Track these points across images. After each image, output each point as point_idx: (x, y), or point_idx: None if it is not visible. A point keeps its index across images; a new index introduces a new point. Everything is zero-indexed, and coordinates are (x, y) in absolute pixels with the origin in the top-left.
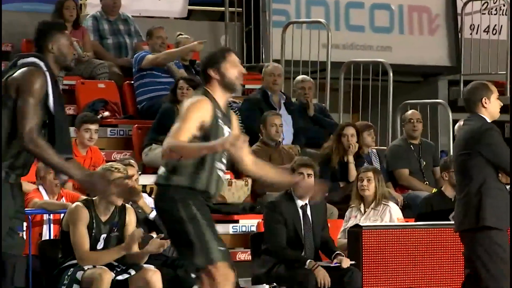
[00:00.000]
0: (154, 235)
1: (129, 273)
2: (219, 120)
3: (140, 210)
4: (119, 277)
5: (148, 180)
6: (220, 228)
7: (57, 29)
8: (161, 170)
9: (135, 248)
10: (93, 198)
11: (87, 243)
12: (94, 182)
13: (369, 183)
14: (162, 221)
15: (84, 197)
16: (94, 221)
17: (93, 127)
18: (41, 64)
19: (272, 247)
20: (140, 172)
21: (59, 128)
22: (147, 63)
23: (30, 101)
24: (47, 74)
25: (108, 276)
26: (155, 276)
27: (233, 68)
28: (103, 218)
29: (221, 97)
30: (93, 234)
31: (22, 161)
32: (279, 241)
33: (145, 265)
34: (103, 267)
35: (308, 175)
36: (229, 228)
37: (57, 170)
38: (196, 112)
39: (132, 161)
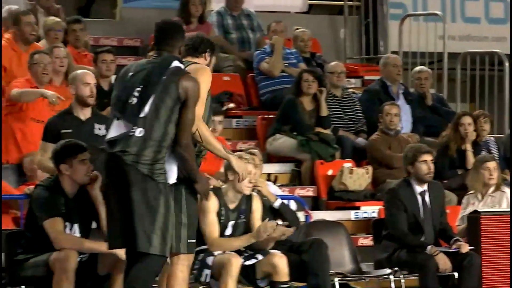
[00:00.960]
0: (279, 222)
1: (257, 258)
2: None
3: (265, 198)
4: (247, 262)
5: (273, 168)
6: (342, 214)
7: (183, 29)
8: None
9: (264, 238)
10: (222, 187)
11: (217, 230)
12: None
13: (495, 173)
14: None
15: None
16: (222, 208)
17: (217, 118)
18: (185, 70)
19: (394, 233)
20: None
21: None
22: (263, 70)
23: (193, 108)
24: None
25: (237, 261)
26: (281, 261)
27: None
28: (231, 206)
29: None
30: (221, 221)
31: None
32: (401, 227)
33: (271, 251)
34: (232, 252)
35: (428, 161)
36: (351, 215)
37: (191, 174)
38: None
39: (255, 151)
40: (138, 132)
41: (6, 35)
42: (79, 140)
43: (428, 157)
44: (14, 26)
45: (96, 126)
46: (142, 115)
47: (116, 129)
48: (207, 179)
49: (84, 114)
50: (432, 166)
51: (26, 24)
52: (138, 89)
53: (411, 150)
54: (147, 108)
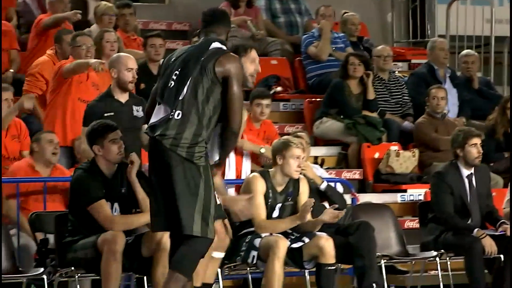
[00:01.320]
0: (326, 204)
1: (303, 241)
2: None
3: (312, 181)
4: (294, 245)
5: (320, 151)
6: (389, 197)
7: (228, 16)
8: None
9: (309, 218)
10: (269, 170)
11: (264, 212)
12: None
13: None
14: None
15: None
16: (270, 191)
17: (264, 102)
18: (226, 50)
19: (440, 215)
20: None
21: None
22: (311, 54)
23: (239, 87)
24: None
25: (284, 243)
26: (327, 243)
27: (251, 65)
28: (279, 188)
29: None
30: (269, 203)
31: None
32: (447, 209)
33: (318, 233)
34: (279, 235)
35: (477, 144)
36: (397, 197)
37: (225, 160)
38: None
39: (302, 134)
40: (177, 114)
41: (49, 51)
42: (121, 122)
43: (478, 141)
44: (56, 44)
45: (134, 108)
46: (180, 97)
47: (157, 114)
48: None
49: (124, 96)
50: (481, 149)
51: (68, 43)
52: (176, 72)
53: (460, 133)
54: (185, 90)
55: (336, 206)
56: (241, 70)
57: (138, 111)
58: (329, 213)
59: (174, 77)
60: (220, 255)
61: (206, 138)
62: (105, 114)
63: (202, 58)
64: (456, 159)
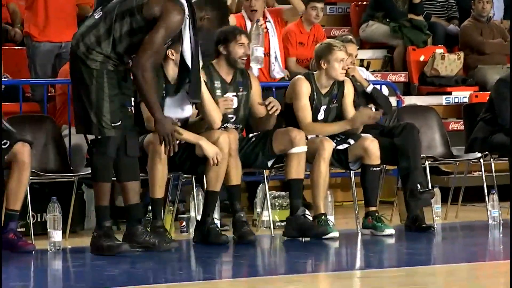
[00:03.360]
0: (372, 106)
1: (349, 143)
2: None
3: (358, 83)
4: (340, 147)
5: (366, 54)
6: (434, 99)
7: None
8: None
9: (359, 126)
10: (314, 72)
11: (310, 114)
12: (165, 125)
13: None
14: None
15: None
16: (315, 93)
17: (320, 5)
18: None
19: (502, 121)
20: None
21: (195, 74)
22: None
23: (162, 33)
24: (186, 10)
25: (330, 145)
26: (372, 144)
27: (239, 48)
28: (323, 91)
29: None
30: (313, 105)
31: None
32: (509, 116)
33: (363, 134)
34: (325, 136)
35: None
36: (442, 100)
37: (147, 105)
38: None
39: (352, 38)
40: (97, 14)
41: None
42: None
43: None
44: None
45: None
46: (109, 3)
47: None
48: (170, 121)
49: None
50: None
51: None
52: None
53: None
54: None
55: (370, 107)
56: (171, 20)
57: None
58: (365, 113)
59: None
60: (299, 149)
61: (106, 52)
62: None
63: None
64: None
